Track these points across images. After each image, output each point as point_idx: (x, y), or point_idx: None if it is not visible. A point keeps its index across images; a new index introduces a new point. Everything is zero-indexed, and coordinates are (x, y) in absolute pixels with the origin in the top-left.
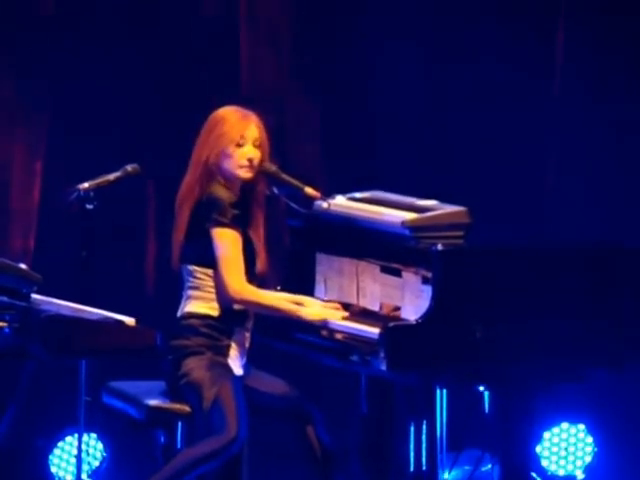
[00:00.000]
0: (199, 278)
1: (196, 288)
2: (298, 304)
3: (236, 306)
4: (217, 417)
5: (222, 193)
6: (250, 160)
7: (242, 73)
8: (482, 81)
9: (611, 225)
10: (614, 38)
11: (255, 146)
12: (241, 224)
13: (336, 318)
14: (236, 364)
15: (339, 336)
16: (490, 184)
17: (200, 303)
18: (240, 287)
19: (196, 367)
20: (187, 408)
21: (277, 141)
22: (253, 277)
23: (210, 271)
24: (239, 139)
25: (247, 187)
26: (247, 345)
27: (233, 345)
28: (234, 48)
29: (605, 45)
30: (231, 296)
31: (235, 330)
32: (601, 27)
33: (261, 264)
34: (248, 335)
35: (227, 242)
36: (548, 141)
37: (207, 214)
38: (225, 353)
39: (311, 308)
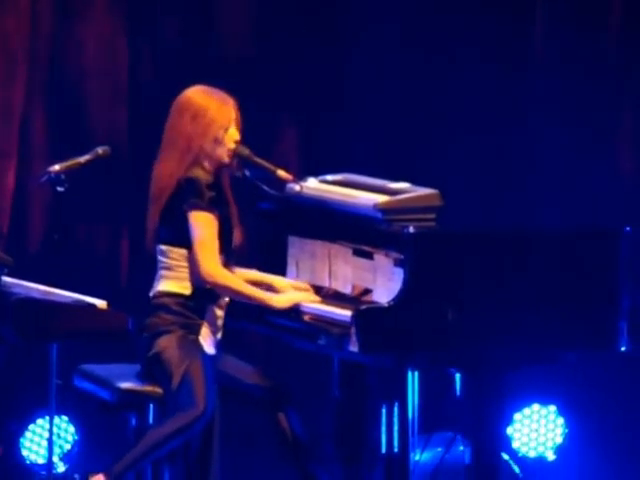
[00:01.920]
0: (173, 258)
1: (169, 268)
2: (271, 285)
3: (209, 286)
4: (186, 394)
5: (200, 175)
6: (236, 142)
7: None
8: (459, 60)
9: (592, 208)
10: (593, 19)
11: (236, 127)
12: (218, 205)
13: (308, 301)
14: (207, 342)
15: (311, 319)
16: (466, 167)
17: (172, 282)
18: (213, 271)
19: (167, 345)
20: (158, 390)
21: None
22: (230, 254)
23: (184, 251)
24: (228, 124)
25: (220, 167)
26: (220, 324)
27: (205, 324)
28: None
29: (585, 26)
30: (204, 279)
31: (207, 308)
32: (581, 9)
33: (237, 237)
34: (221, 313)
35: (203, 225)
36: (527, 123)
37: (184, 196)
38: (197, 331)
39: (282, 295)
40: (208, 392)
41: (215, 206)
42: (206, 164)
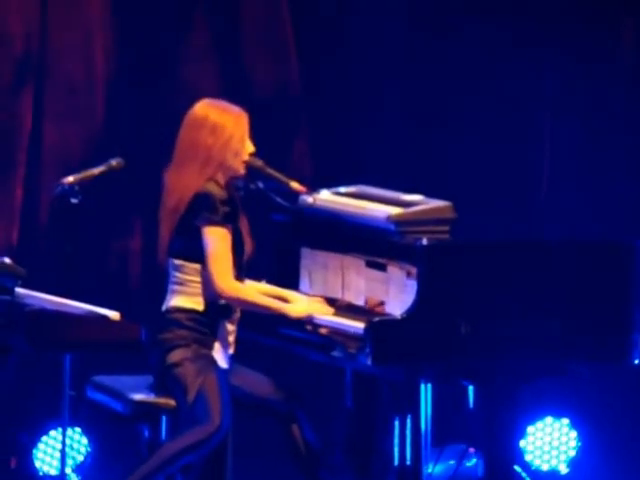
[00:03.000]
0: (186, 273)
1: (182, 283)
2: (283, 299)
3: (222, 301)
4: (201, 408)
5: (215, 190)
6: (251, 154)
7: None
8: (471, 71)
9: (604, 221)
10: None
11: (250, 139)
12: (232, 220)
13: (322, 313)
14: (221, 357)
15: (324, 331)
16: (479, 179)
17: (185, 298)
18: (227, 285)
19: (181, 360)
20: (172, 402)
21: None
22: (241, 267)
23: (198, 266)
24: (245, 136)
25: (232, 180)
26: (232, 338)
27: (218, 339)
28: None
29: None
30: (219, 294)
31: (220, 324)
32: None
33: (248, 247)
34: (233, 328)
35: (217, 240)
36: (539, 133)
37: (198, 211)
38: (210, 346)
39: (296, 304)
40: (224, 407)
41: (228, 221)
42: (220, 179)
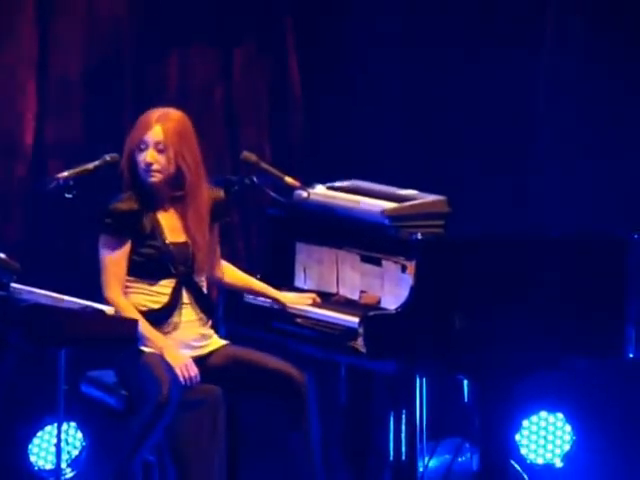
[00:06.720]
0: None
1: None
2: (274, 299)
3: (142, 307)
4: (148, 384)
5: (117, 200)
6: (148, 165)
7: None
8: (467, 66)
9: (599, 214)
10: (606, 15)
11: (158, 150)
12: (129, 230)
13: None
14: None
15: (319, 325)
16: (474, 173)
17: None
18: (107, 292)
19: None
20: None
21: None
22: (176, 275)
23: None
24: (140, 144)
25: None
26: (189, 337)
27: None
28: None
29: (597, 22)
30: (104, 299)
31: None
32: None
33: (200, 264)
34: (177, 332)
35: (101, 248)
36: (534, 128)
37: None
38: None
39: (177, 355)
40: (168, 375)
41: (121, 231)
42: (135, 190)
